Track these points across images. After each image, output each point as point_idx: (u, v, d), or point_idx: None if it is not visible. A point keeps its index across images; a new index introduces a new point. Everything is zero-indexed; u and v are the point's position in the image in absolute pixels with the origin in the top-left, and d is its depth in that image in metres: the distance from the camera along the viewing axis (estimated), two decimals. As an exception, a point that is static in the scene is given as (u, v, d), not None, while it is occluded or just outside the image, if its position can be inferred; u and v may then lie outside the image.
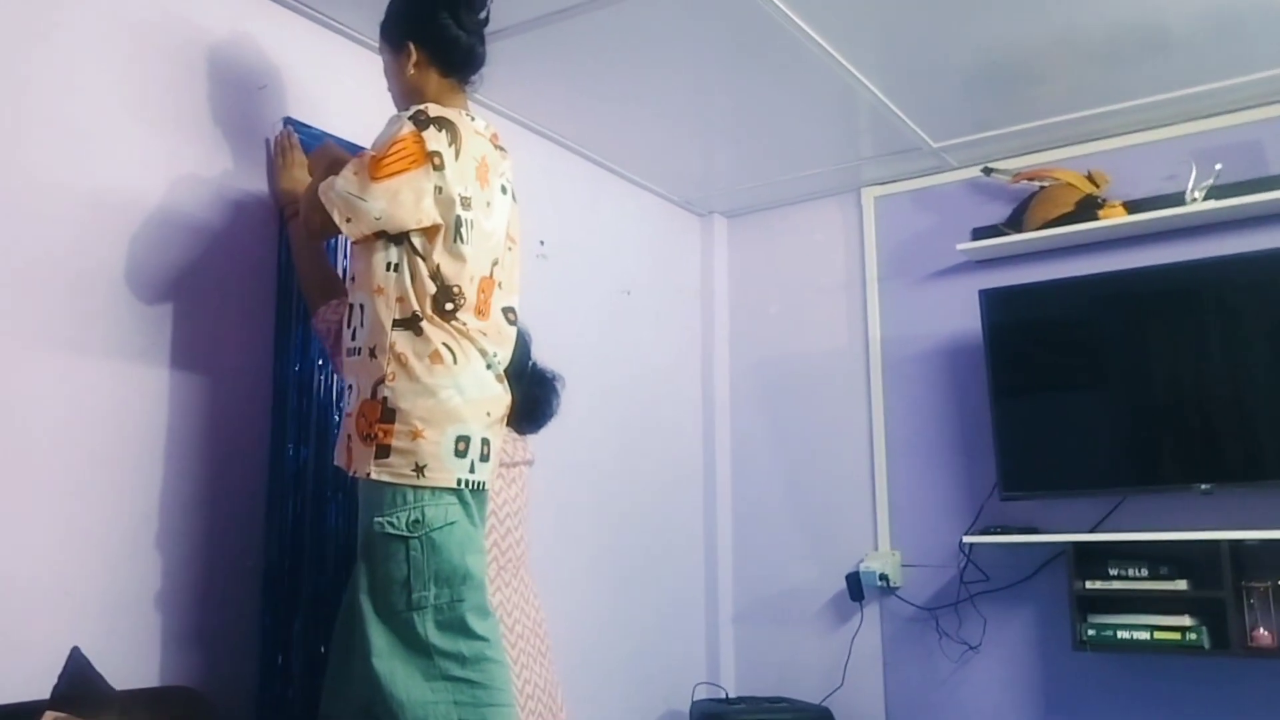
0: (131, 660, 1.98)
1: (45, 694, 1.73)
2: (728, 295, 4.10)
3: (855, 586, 3.59)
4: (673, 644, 3.67)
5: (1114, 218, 3.24)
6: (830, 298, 3.87)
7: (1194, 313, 3.12)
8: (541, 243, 3.20)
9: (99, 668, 1.80)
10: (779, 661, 3.74)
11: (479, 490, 1.96)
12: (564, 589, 3.04)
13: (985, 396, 3.34)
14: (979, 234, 3.52)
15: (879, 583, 3.54)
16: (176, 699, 1.99)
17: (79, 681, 1.76)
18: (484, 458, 1.95)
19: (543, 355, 2.55)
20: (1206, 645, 2.88)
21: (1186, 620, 2.90)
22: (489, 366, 1.99)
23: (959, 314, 3.51)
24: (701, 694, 3.58)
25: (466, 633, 1.89)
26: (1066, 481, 3.20)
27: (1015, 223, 3.46)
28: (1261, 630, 2.85)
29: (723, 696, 3.59)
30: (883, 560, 3.57)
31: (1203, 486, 2.97)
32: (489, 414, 1.97)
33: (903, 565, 3.57)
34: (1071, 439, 3.22)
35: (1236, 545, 2.87)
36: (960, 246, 3.51)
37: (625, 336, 3.62)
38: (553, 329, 2.80)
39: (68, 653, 1.77)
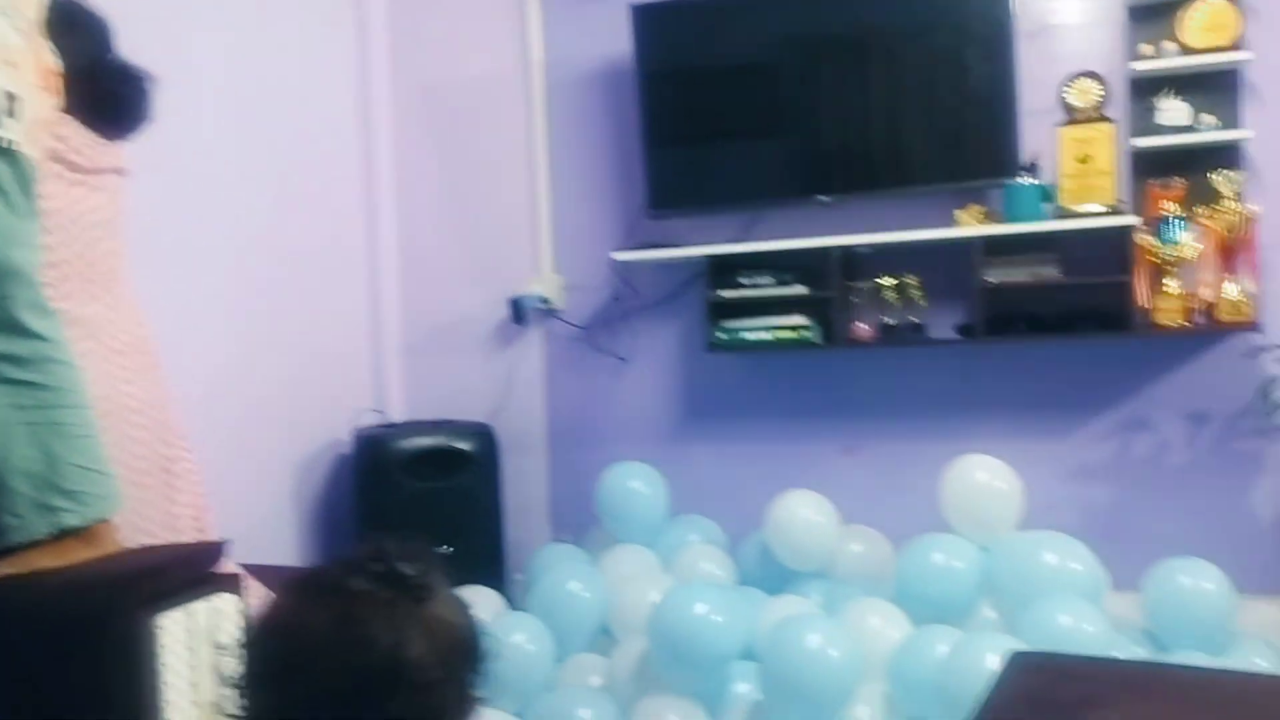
0: None
1: None
2: (386, 16, 3.84)
3: (518, 310, 3.66)
4: (336, 376, 3.62)
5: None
6: (491, 18, 3.71)
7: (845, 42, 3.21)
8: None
9: None
10: (448, 388, 3.79)
11: (7, 151, 1.69)
12: (200, 314, 2.89)
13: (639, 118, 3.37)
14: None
15: (540, 305, 3.63)
16: None
17: None
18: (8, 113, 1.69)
19: (153, 62, 2.25)
20: (818, 340, 3.18)
21: (801, 320, 3.18)
22: None
23: (623, 33, 3.44)
24: (366, 422, 3.60)
25: (21, 331, 1.73)
26: (708, 199, 3.34)
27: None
28: (861, 325, 3.17)
29: (388, 423, 3.63)
30: (544, 283, 3.64)
31: (822, 198, 3.18)
32: None
33: (565, 288, 3.66)
34: (715, 158, 3.33)
35: (847, 251, 3.12)
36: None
37: (264, 53, 3.32)
38: (165, 36, 2.48)
39: None
